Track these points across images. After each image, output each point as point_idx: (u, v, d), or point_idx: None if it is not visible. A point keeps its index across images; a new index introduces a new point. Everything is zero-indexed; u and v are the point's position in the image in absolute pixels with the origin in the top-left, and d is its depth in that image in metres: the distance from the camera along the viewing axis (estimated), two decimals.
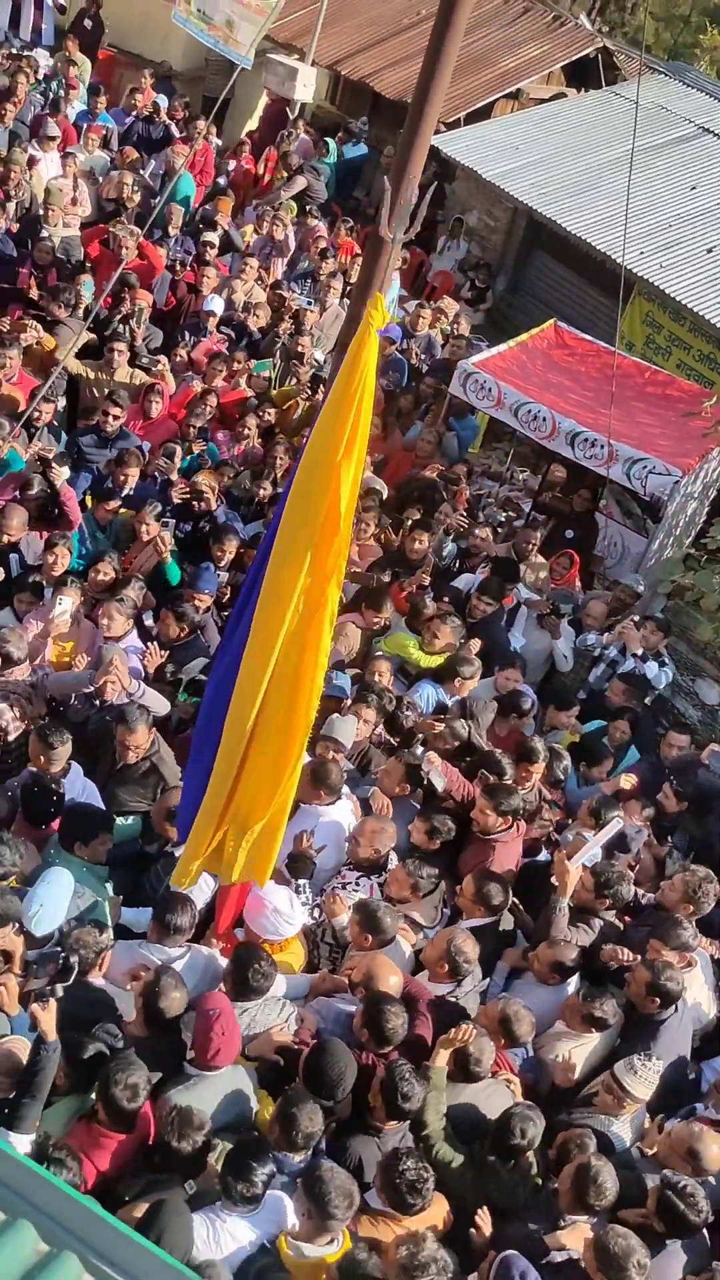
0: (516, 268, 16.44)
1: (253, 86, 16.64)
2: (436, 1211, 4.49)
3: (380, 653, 7.64)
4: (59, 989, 4.17)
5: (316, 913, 5.67)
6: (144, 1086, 4.24)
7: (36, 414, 8.27)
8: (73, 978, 4.25)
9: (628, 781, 7.18)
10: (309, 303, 11.95)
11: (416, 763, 6.38)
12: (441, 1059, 4.87)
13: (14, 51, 15.16)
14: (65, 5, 16.83)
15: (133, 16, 17.40)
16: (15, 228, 11.36)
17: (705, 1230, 4.65)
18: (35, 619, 6.97)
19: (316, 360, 11.15)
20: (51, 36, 16.66)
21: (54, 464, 7.61)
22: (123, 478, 8.35)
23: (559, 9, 19.91)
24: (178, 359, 10.43)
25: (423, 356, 12.38)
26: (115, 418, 8.86)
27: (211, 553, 7.99)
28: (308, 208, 14.25)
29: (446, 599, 8.38)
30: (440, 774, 6.34)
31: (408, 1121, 4.67)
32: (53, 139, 12.91)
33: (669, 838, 7.12)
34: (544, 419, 10.10)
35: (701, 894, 6.05)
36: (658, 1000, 5.46)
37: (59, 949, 4.42)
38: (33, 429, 8.46)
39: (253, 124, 17.47)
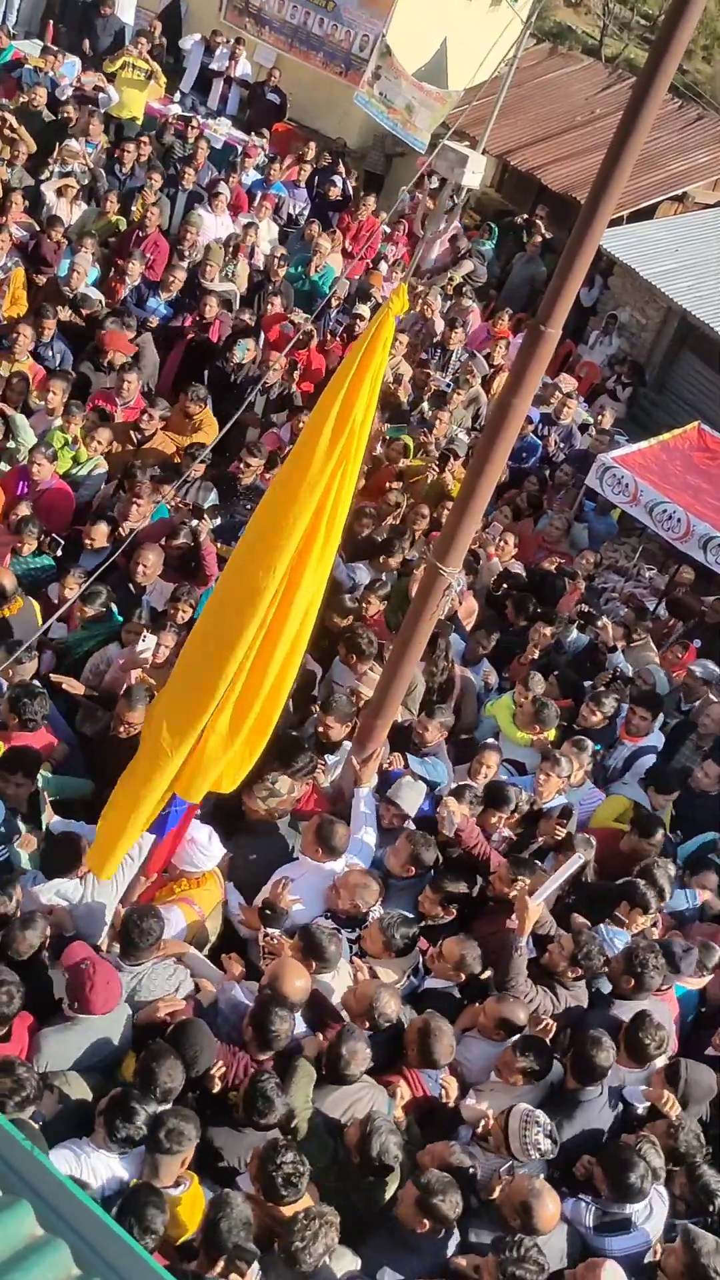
0: (663, 366, 16.41)
1: (410, 166, 17.05)
2: (306, 1202, 4.42)
3: (490, 742, 7.52)
4: None
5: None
6: None
7: (185, 468, 8.48)
8: None
9: None
10: (449, 385, 12.09)
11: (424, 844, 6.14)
12: (309, 1050, 4.82)
13: (199, 119, 15.86)
14: (251, 79, 17.55)
15: (317, 94, 18.07)
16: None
17: None
18: (124, 655, 7.09)
19: (455, 437, 11.25)
20: (235, 106, 17.38)
21: (206, 515, 7.74)
22: None
23: None
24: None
25: (561, 445, 12.40)
26: (250, 468, 9.04)
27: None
28: (464, 289, 14.47)
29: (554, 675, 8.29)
30: (453, 821, 6.17)
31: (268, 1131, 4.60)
32: (220, 197, 13.39)
33: None
34: (679, 520, 9.99)
35: (640, 965, 5.75)
36: (578, 1073, 5.23)
37: None
38: (185, 482, 8.66)
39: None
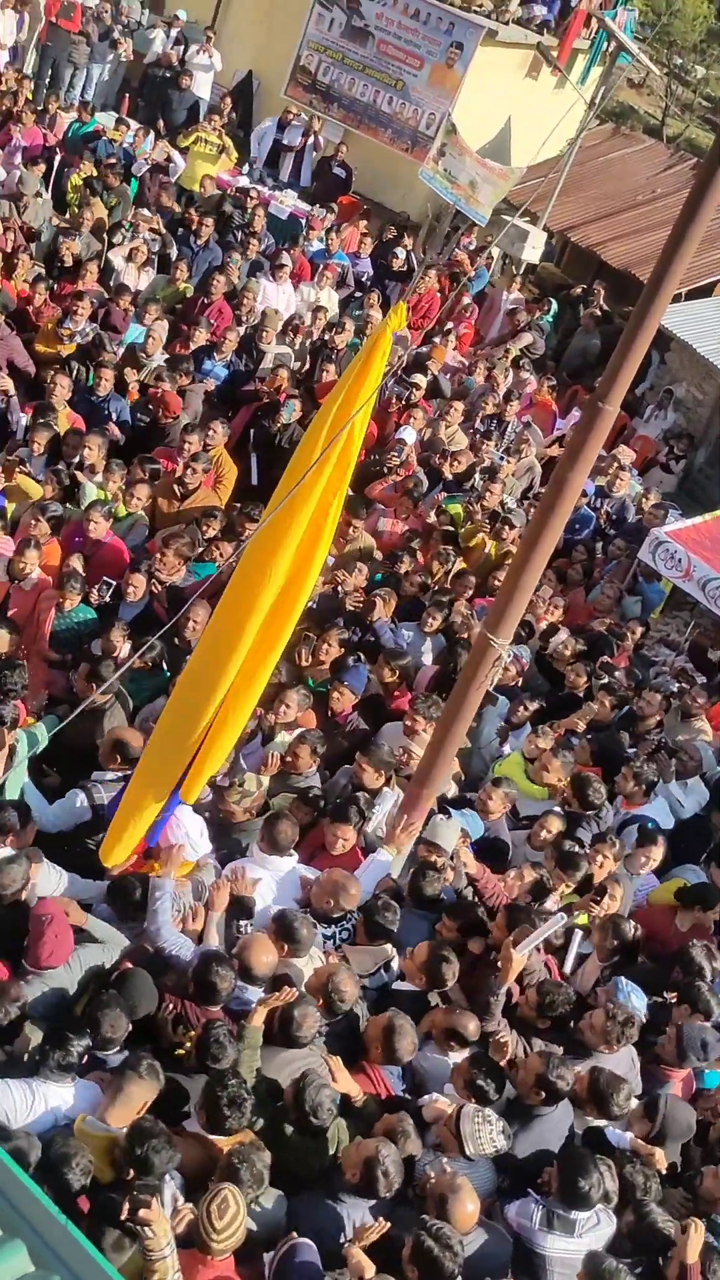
0: (719, 442, 16.40)
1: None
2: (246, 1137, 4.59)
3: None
4: None
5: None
6: None
7: (241, 528, 8.58)
8: None
9: None
10: (502, 458, 12.15)
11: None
12: (258, 1018, 4.99)
13: (261, 190, 16.25)
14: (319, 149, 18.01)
15: (382, 168, 18.47)
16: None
17: None
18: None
19: (504, 506, 11.27)
20: (309, 178, 17.79)
21: None
22: None
23: None
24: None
25: (612, 516, 12.37)
26: None
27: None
28: (522, 361, 14.59)
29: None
30: (463, 873, 6.24)
31: None
32: (284, 268, 13.69)
33: None
34: None
35: (624, 1038, 5.67)
36: (542, 1094, 5.17)
37: None
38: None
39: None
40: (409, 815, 6.40)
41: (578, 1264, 4.76)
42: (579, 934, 6.26)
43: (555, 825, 7.12)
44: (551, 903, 6.59)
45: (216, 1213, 4.11)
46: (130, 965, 5.24)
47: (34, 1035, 4.82)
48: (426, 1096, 5.25)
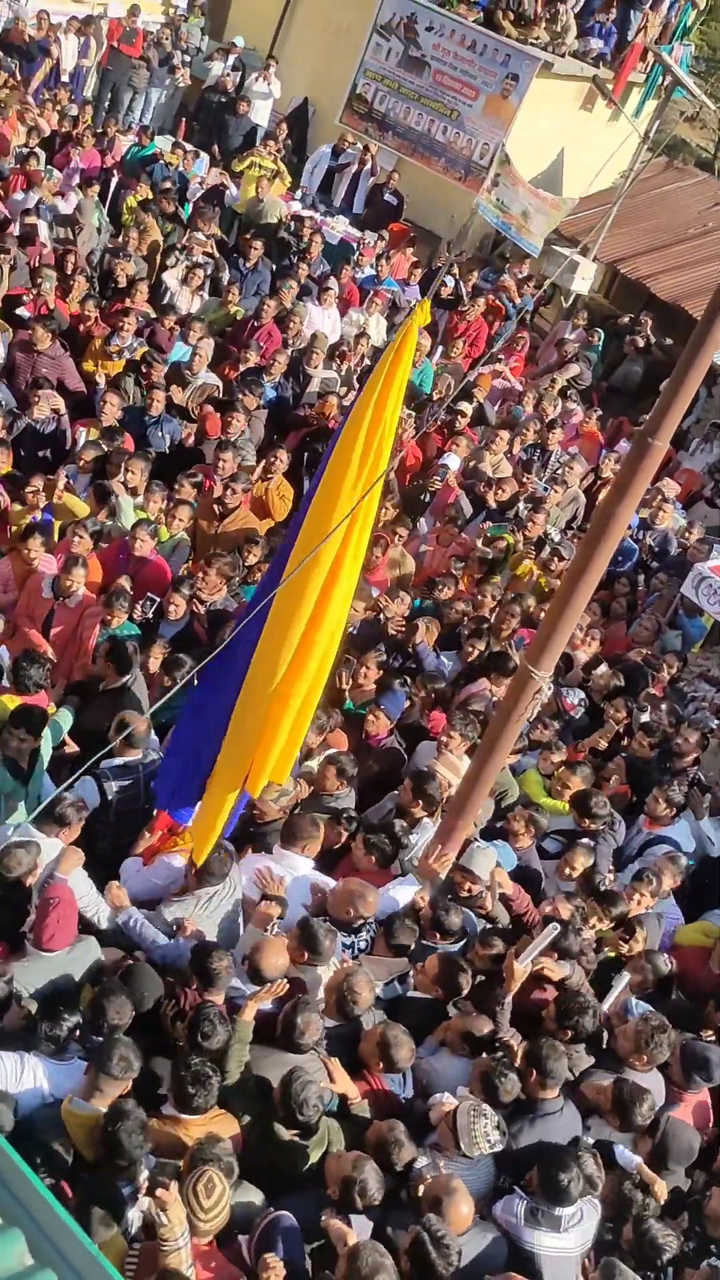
0: None
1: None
2: (227, 1126, 4.68)
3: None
4: None
5: None
6: None
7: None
8: None
9: None
10: (546, 488, 12.12)
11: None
12: (248, 1012, 5.05)
13: (316, 217, 16.38)
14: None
15: (434, 197, 18.59)
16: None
17: None
18: None
19: (548, 535, 11.25)
20: (361, 204, 17.91)
21: None
22: None
23: None
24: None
25: (655, 549, 12.30)
26: None
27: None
28: (569, 392, 14.58)
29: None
30: (498, 893, 6.29)
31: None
32: (329, 292, 13.77)
33: None
34: None
35: (654, 1045, 5.65)
36: (534, 1073, 5.20)
37: None
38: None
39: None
40: (443, 845, 6.38)
41: (566, 1260, 4.80)
42: (626, 975, 6.23)
43: (581, 861, 7.12)
44: (587, 935, 6.57)
45: (203, 1192, 4.14)
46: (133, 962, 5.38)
47: (31, 1010, 4.94)
48: (434, 1097, 5.26)
